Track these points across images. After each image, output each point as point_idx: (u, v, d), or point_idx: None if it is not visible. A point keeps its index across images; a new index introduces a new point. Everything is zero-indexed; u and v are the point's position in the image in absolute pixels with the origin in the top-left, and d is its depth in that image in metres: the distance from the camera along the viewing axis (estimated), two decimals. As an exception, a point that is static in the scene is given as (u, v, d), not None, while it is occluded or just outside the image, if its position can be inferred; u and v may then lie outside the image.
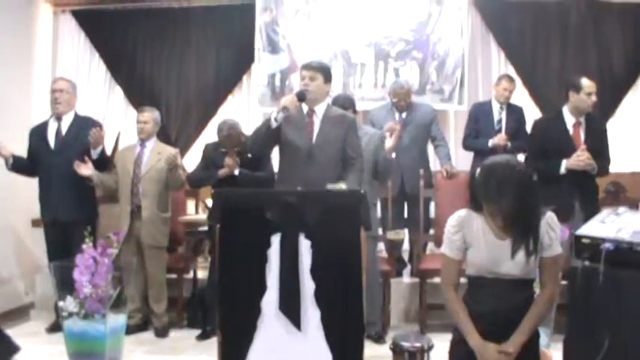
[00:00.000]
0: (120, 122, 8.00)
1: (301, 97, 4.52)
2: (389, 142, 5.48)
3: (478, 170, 3.07)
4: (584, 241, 2.48)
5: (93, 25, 8.23)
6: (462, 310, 3.03)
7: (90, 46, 8.25)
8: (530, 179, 3.05)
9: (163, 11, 8.13)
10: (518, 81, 7.48)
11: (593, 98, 5.19)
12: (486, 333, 2.95)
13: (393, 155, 5.59)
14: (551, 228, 2.95)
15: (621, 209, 2.63)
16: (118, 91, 8.25)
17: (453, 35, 7.32)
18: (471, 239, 3.04)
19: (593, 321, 2.37)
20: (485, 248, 2.98)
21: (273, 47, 7.59)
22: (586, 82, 5.19)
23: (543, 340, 3.13)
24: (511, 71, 7.57)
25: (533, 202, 2.96)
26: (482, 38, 7.78)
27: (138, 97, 8.03)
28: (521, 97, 7.49)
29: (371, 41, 7.44)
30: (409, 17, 7.39)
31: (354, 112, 5.46)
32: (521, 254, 2.91)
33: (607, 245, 2.38)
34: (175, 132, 7.82)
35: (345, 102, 5.42)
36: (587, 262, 2.46)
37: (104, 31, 8.22)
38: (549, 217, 2.99)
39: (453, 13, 7.32)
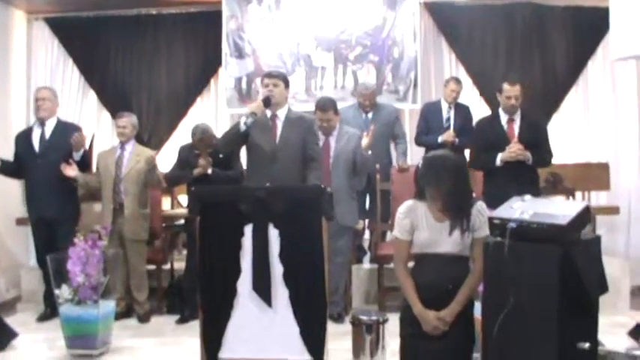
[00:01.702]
0: (94, 125, 8.48)
1: (267, 102, 5.16)
2: (365, 141, 6.18)
3: (420, 162, 3.78)
4: (495, 221, 3.15)
5: (66, 31, 8.67)
6: (409, 283, 3.70)
7: (64, 52, 8.68)
8: (463, 168, 3.76)
9: (134, 18, 8.58)
10: (469, 81, 8.20)
11: (512, 101, 5.82)
12: (428, 302, 3.60)
13: (369, 153, 6.27)
14: (481, 213, 3.63)
15: (527, 197, 3.32)
16: (92, 95, 8.71)
17: (407, 39, 7.94)
18: (416, 223, 3.70)
19: (502, 284, 3.05)
20: (428, 230, 3.65)
21: (240, 52, 8.13)
22: (506, 87, 5.84)
23: (477, 308, 3.78)
24: (462, 71, 8.25)
25: (465, 187, 3.68)
26: (435, 41, 8.39)
27: (111, 101, 8.56)
28: (472, 96, 8.18)
29: (330, 46, 8.02)
30: (366, 22, 7.98)
31: (336, 113, 6.15)
32: (456, 233, 3.57)
33: (511, 224, 3.04)
34: (148, 133, 8.30)
35: (328, 104, 6.11)
36: (497, 238, 3.15)
37: (77, 37, 8.66)
38: (479, 205, 3.69)
39: (407, 18, 7.92)
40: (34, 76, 8.67)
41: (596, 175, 7.61)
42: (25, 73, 8.64)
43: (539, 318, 2.97)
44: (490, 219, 3.24)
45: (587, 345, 2.81)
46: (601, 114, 8.23)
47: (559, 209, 3.10)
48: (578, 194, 7.49)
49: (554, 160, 7.22)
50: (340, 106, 7.20)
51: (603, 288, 3.37)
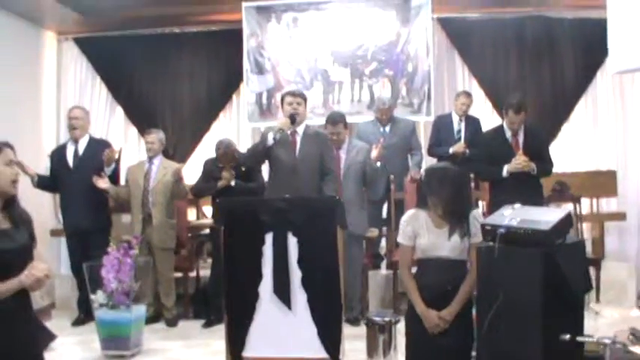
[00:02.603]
0: (121, 140, 8.90)
1: (293, 120, 5.66)
2: (374, 153, 6.64)
3: (423, 173, 4.22)
4: (487, 227, 3.58)
5: (94, 50, 9.15)
6: (412, 285, 4.13)
7: (92, 70, 9.18)
8: (461, 179, 4.20)
9: (159, 37, 9.08)
10: (482, 93, 8.61)
11: (515, 127, 6.21)
12: (430, 302, 4.03)
13: (378, 164, 6.72)
14: (477, 220, 4.03)
15: (517, 205, 3.75)
16: (119, 111, 9.20)
17: (420, 53, 8.33)
18: (418, 229, 4.13)
19: (492, 283, 3.47)
20: (428, 235, 4.08)
21: (260, 69, 8.57)
22: (511, 115, 6.19)
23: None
24: (474, 84, 8.65)
25: (463, 195, 4.11)
26: (448, 55, 8.79)
27: (137, 117, 9.06)
28: (485, 108, 8.58)
29: (347, 61, 8.45)
30: (380, 38, 8.39)
31: (345, 127, 6.63)
32: (455, 238, 3.99)
33: (501, 230, 3.47)
34: (172, 147, 8.69)
35: (338, 118, 6.60)
36: (489, 242, 3.58)
37: (104, 56, 9.12)
38: (476, 212, 4.13)
39: (420, 34, 8.31)
40: (64, 93, 9.17)
41: (603, 183, 7.94)
42: (55, 90, 9.15)
43: (525, 313, 3.39)
44: (482, 225, 3.67)
45: (567, 336, 3.20)
46: (610, 123, 8.53)
47: (543, 216, 3.53)
48: (587, 201, 7.87)
49: (564, 168, 7.68)
50: (357, 118, 7.77)
51: (587, 286, 3.77)
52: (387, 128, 7.43)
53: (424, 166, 7.60)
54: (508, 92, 8.18)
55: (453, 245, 4.00)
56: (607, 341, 2.82)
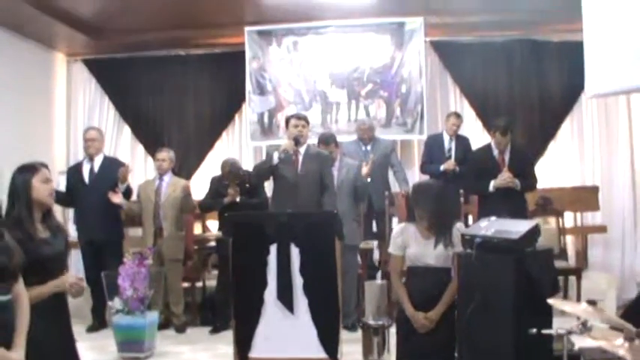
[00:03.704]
0: (128, 158, 9.34)
1: (297, 142, 6.26)
2: (365, 170, 7.25)
3: (411, 190, 4.83)
4: (466, 237, 4.19)
5: (102, 72, 9.79)
6: (402, 290, 4.71)
7: (100, 90, 9.80)
8: (445, 194, 4.80)
9: (165, 59, 9.70)
10: (472, 113, 9.22)
11: (502, 147, 6.83)
12: (418, 305, 4.59)
13: (368, 180, 7.32)
14: (460, 232, 4.64)
15: (493, 218, 4.36)
16: (126, 130, 9.80)
17: (414, 76, 8.92)
18: (407, 240, 4.71)
19: (470, 285, 4.07)
20: (416, 245, 4.65)
21: (262, 90, 9.17)
22: (498, 137, 6.83)
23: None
24: (465, 104, 9.24)
25: (446, 209, 4.70)
26: (440, 76, 9.39)
27: (144, 135, 9.67)
28: (476, 128, 9.17)
29: (344, 83, 9.07)
30: (376, 61, 9.01)
31: (336, 146, 7.25)
32: (440, 247, 4.56)
33: (478, 239, 4.08)
34: (178, 164, 8.90)
35: (329, 138, 7.21)
36: (468, 250, 4.17)
37: (113, 77, 9.74)
38: (459, 225, 4.72)
39: (413, 57, 8.91)
40: (74, 112, 9.81)
41: (586, 197, 8.51)
42: (65, 110, 9.80)
43: (498, 311, 3.98)
44: (462, 235, 4.28)
45: (534, 330, 3.77)
46: (594, 141, 9.09)
47: (514, 227, 4.13)
48: (570, 215, 8.46)
49: (550, 184, 8.25)
50: (354, 137, 8.29)
51: (555, 288, 4.37)
52: (369, 147, 8.06)
53: (412, 182, 8.19)
54: (498, 112, 8.81)
55: (438, 254, 4.57)
56: (562, 332, 3.40)
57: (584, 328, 3.23)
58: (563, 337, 3.46)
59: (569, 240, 8.46)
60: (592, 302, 3.37)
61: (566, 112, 9.17)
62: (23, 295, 3.28)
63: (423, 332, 4.57)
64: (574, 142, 9.24)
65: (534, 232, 4.14)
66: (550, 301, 3.45)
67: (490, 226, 4.19)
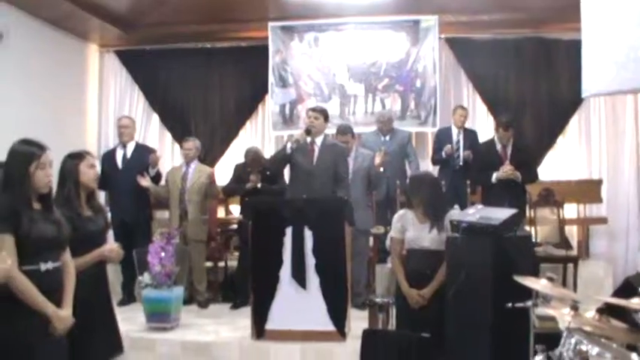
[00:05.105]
0: (156, 145, 9.99)
1: (308, 132, 6.92)
2: (377, 160, 7.90)
3: (408, 181, 5.52)
4: (454, 222, 4.88)
5: (133, 62, 10.47)
6: (400, 269, 5.38)
7: (131, 80, 10.49)
8: (437, 183, 5.54)
9: (193, 51, 10.34)
10: (484, 108, 9.80)
11: (504, 142, 7.46)
12: (413, 283, 5.27)
13: (382, 169, 7.99)
14: (452, 218, 5.34)
15: (479, 205, 5.05)
16: (155, 118, 10.47)
17: (428, 71, 9.56)
18: (406, 225, 5.38)
19: (457, 264, 4.75)
20: (414, 229, 5.32)
21: (283, 82, 9.85)
22: (502, 132, 7.50)
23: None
24: (477, 100, 9.84)
25: (439, 197, 5.41)
26: (454, 72, 9.97)
27: (171, 124, 10.35)
28: (487, 122, 9.71)
29: (362, 77, 9.72)
30: (392, 57, 9.66)
31: (353, 136, 7.90)
32: (434, 232, 5.21)
33: (464, 224, 4.76)
34: (204, 152, 9.50)
35: (346, 129, 7.87)
36: (455, 234, 4.86)
37: (143, 67, 10.43)
38: (452, 212, 5.41)
39: (427, 53, 9.55)
40: (105, 101, 10.51)
41: (589, 190, 9.10)
42: (97, 99, 10.50)
43: (480, 287, 4.66)
44: (451, 220, 4.97)
45: (510, 304, 4.43)
46: (601, 137, 9.61)
47: (497, 214, 4.81)
48: (574, 206, 9.08)
49: (558, 177, 8.86)
50: (370, 129, 8.94)
51: (536, 269, 5.05)
52: (388, 137, 8.71)
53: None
54: (508, 107, 9.37)
55: (432, 238, 5.23)
56: (529, 304, 4.09)
57: (545, 300, 3.91)
58: (530, 309, 4.13)
59: (575, 230, 9.08)
60: (550, 278, 4.04)
61: (575, 108, 9.61)
62: (70, 262, 3.98)
63: (417, 307, 5.24)
64: (582, 137, 9.71)
65: (514, 219, 4.82)
66: (516, 277, 4.10)
67: (476, 213, 4.88)
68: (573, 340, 3.68)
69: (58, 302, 3.80)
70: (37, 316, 3.68)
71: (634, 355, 3.49)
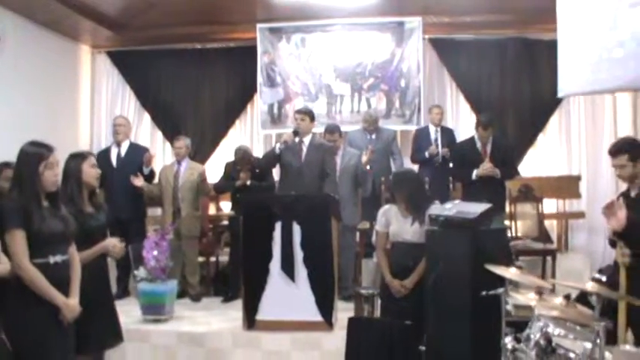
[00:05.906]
0: (147, 143, 10.24)
1: (296, 133, 7.32)
2: (364, 158, 8.26)
3: (391, 177, 5.89)
4: (432, 216, 5.25)
5: (124, 63, 10.77)
6: (384, 261, 5.75)
7: (122, 81, 10.80)
8: (419, 180, 5.92)
9: (183, 52, 10.66)
10: (467, 107, 10.13)
11: (484, 140, 7.77)
12: (396, 274, 5.64)
13: (368, 167, 8.34)
14: (433, 213, 5.71)
15: (457, 201, 5.42)
16: (146, 118, 10.78)
17: (412, 71, 9.90)
18: (390, 219, 5.73)
19: (435, 255, 5.12)
20: (397, 223, 5.67)
21: (272, 82, 10.17)
22: (481, 131, 7.79)
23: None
24: (461, 99, 10.19)
25: (420, 193, 5.76)
26: (438, 71, 10.31)
27: (162, 123, 10.66)
28: (470, 121, 9.72)
29: (348, 77, 10.06)
30: (377, 57, 9.99)
31: (340, 135, 8.26)
32: (416, 225, 5.55)
33: (441, 218, 5.13)
34: (194, 150, 9.86)
35: (334, 129, 8.23)
36: (434, 227, 5.23)
37: (134, 68, 10.72)
38: (434, 207, 5.77)
39: (412, 53, 9.88)
40: (97, 101, 10.81)
41: (567, 186, 9.47)
42: (90, 99, 10.79)
43: (457, 277, 5.02)
44: (429, 215, 5.34)
45: (484, 292, 4.79)
46: (581, 135, 9.94)
47: (472, 209, 5.17)
48: (554, 201, 9.46)
49: (538, 173, 9.21)
50: (356, 127, 9.29)
51: (509, 260, 5.40)
52: (373, 136, 9.05)
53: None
54: (491, 106, 9.72)
55: (414, 231, 5.58)
56: (500, 291, 4.46)
57: (515, 287, 4.29)
58: (501, 296, 4.50)
59: (554, 225, 9.47)
60: (519, 267, 4.42)
61: (555, 106, 9.91)
62: (76, 255, 4.34)
63: (399, 297, 5.59)
64: (562, 135, 10.04)
65: (488, 213, 5.18)
66: (487, 265, 4.47)
67: (453, 208, 5.25)
68: (540, 324, 4.07)
69: (65, 293, 4.15)
70: (48, 305, 4.03)
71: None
